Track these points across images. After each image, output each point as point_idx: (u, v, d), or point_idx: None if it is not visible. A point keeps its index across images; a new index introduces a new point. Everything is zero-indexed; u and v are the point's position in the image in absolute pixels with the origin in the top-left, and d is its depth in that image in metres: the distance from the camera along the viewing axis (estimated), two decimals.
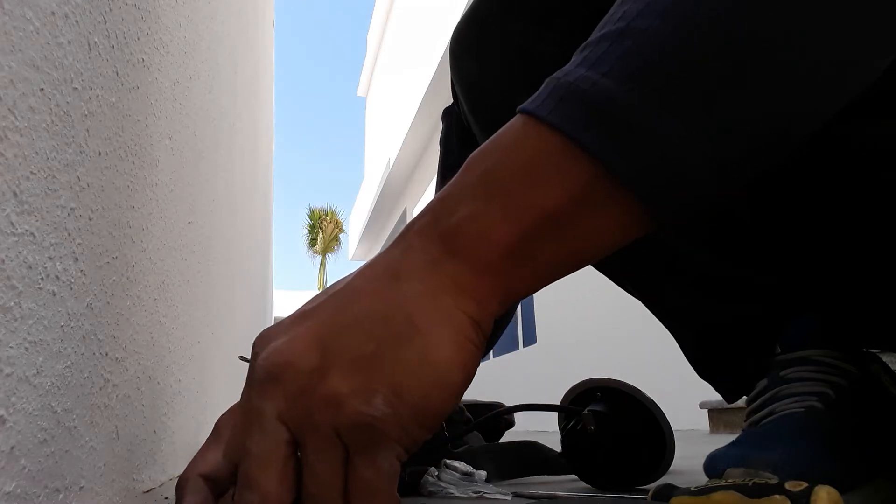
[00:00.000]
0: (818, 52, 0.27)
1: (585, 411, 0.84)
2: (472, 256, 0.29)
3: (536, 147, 0.29)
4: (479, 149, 0.31)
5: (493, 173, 0.29)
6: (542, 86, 0.30)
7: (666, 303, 0.65)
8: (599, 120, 0.27)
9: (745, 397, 0.60)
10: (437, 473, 0.78)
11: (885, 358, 0.59)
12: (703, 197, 0.28)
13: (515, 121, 0.30)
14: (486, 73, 0.59)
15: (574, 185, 0.28)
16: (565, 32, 0.52)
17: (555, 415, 0.95)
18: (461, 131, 0.70)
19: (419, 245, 0.30)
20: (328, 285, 0.32)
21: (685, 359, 0.68)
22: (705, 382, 0.67)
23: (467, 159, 0.31)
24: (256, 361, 0.30)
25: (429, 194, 9.40)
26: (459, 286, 0.29)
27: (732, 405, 2.82)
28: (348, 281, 0.31)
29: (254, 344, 0.31)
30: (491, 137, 0.31)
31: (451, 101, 0.72)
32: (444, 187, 0.31)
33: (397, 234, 0.32)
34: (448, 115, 0.74)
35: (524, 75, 0.56)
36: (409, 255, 0.30)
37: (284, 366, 0.28)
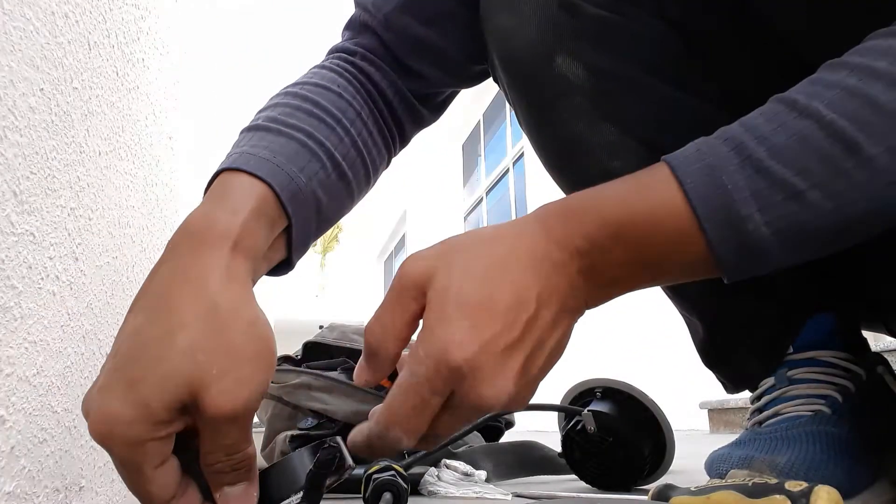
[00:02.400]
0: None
1: (585, 411, 0.84)
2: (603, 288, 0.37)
3: (690, 246, 0.35)
4: (638, 202, 0.36)
5: (651, 256, 0.36)
6: (705, 168, 0.35)
7: (682, 290, 0.64)
8: (744, 250, 0.35)
9: (747, 395, 0.59)
10: (437, 473, 0.78)
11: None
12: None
13: (679, 204, 0.35)
14: (522, 29, 0.54)
15: (695, 271, 0.36)
16: None
17: (555, 415, 0.95)
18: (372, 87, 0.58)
19: (569, 271, 0.37)
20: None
21: (685, 359, 0.67)
22: (705, 383, 0.67)
23: (629, 208, 0.36)
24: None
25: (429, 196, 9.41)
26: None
27: (733, 406, 2.82)
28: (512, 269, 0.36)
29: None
30: (648, 196, 0.36)
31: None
32: (614, 219, 0.36)
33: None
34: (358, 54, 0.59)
35: (565, 35, 0.53)
36: (561, 276, 0.36)
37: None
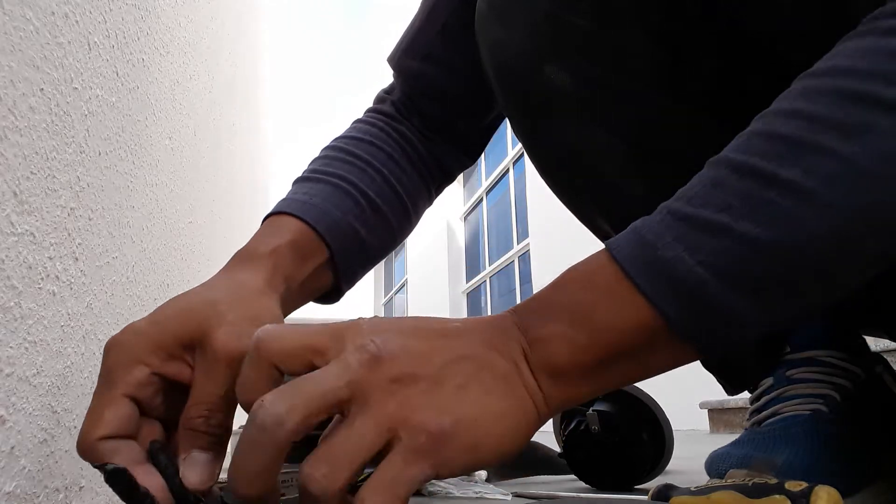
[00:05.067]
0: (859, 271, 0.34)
1: (590, 411, 0.84)
2: (554, 367, 0.34)
3: (623, 300, 0.34)
4: (570, 272, 0.36)
5: (584, 308, 0.34)
6: (630, 232, 0.35)
7: None
8: (685, 299, 0.33)
9: (747, 396, 0.60)
10: None
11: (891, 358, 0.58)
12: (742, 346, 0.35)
13: (606, 263, 0.34)
14: (511, 40, 0.58)
15: (650, 339, 0.33)
16: (598, 5, 0.52)
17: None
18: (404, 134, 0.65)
19: (515, 336, 0.35)
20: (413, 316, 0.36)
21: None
22: (705, 383, 0.67)
23: (560, 278, 0.35)
24: (367, 339, 0.32)
25: None
26: (538, 384, 0.34)
27: (733, 406, 2.82)
28: (449, 322, 0.35)
29: (361, 321, 0.34)
30: (580, 267, 0.35)
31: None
32: (545, 294, 0.35)
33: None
34: (382, 101, 0.68)
35: (552, 45, 0.54)
36: (505, 338, 0.34)
37: (394, 353, 0.32)
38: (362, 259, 0.56)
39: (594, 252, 0.35)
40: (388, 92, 0.69)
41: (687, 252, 0.33)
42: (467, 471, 0.33)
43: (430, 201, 0.67)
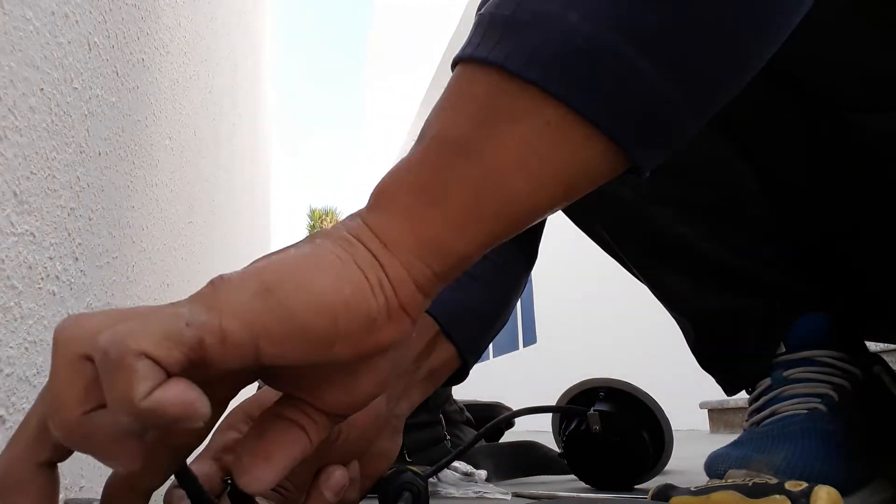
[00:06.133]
0: None
1: (591, 411, 0.84)
2: (378, 202, 0.26)
3: (450, 82, 0.26)
4: None
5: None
6: None
7: (667, 289, 0.65)
8: (491, 28, 0.25)
9: (746, 396, 0.60)
10: (437, 473, 0.78)
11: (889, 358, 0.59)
12: (654, 106, 0.24)
13: None
14: None
15: (475, 102, 0.25)
16: None
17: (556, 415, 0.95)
18: None
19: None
20: None
21: (685, 359, 0.67)
22: (705, 383, 0.67)
23: None
24: None
25: None
26: (367, 227, 0.25)
27: (732, 406, 2.82)
28: None
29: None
30: None
31: None
32: None
33: None
34: None
35: None
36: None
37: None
38: (470, 317, 0.52)
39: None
40: None
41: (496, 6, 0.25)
42: (275, 332, 0.23)
43: (523, 262, 0.64)
